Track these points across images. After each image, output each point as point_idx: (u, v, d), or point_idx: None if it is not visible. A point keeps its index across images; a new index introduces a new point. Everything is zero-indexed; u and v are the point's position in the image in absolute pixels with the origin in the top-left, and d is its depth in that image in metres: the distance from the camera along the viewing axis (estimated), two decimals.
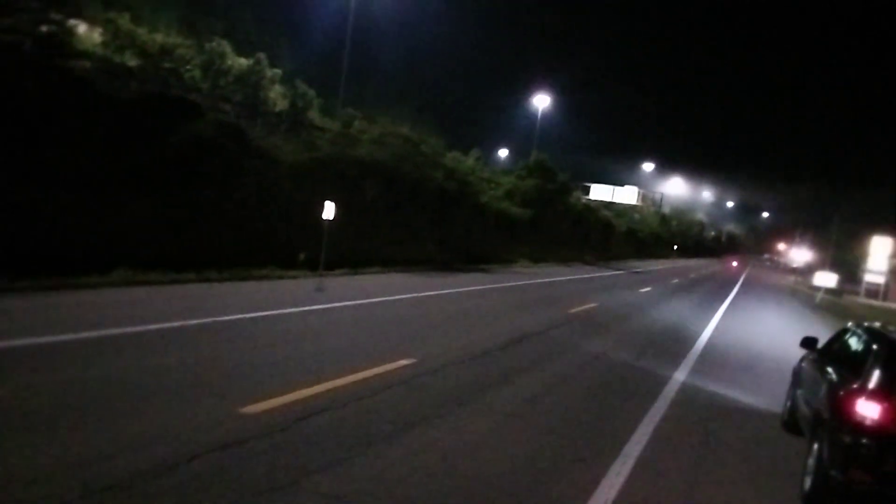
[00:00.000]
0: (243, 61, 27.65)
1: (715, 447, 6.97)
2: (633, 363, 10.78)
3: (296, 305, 10.92)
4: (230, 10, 34.78)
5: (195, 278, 11.96)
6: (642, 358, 11.35)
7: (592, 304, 18.30)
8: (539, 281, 24.15)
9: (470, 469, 5.20)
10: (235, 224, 14.42)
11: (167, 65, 22.46)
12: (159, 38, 22.98)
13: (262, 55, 28.41)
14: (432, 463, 5.20)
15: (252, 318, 9.57)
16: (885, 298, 55.25)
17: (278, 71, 29.92)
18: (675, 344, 13.65)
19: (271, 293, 12.04)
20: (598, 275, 33.20)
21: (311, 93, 30.95)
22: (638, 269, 43.84)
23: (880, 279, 59.37)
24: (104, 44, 21.35)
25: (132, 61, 21.07)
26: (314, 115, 30.62)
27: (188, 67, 24.56)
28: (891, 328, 6.69)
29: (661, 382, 9.64)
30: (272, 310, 10.31)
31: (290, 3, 43.76)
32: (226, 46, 27.13)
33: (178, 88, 20.97)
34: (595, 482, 5.33)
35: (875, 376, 5.52)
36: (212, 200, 14.07)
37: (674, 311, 20.47)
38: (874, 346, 6.12)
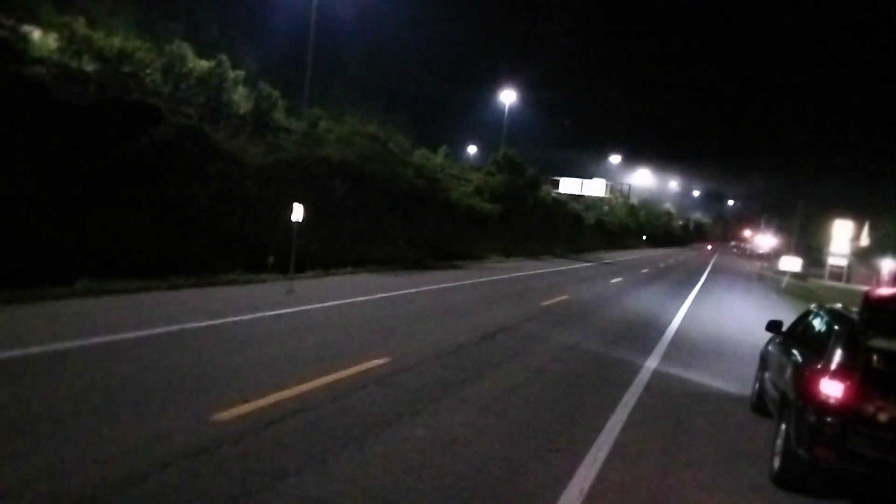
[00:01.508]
0: (205, 63, 27.22)
1: (687, 432, 7.10)
2: (606, 353, 10.91)
3: (266, 309, 10.81)
4: (190, 12, 34.23)
5: (162, 285, 11.74)
6: (615, 347, 11.49)
7: (565, 297, 18.45)
8: (511, 275, 24.26)
9: (446, 464, 5.22)
10: (201, 229, 14.20)
11: (126, 69, 21.97)
12: (117, 41, 22.48)
13: (223, 57, 28.01)
14: (408, 460, 5.20)
15: (222, 324, 9.45)
16: (848, 281, 56.74)
17: (241, 72, 29.53)
18: (646, 332, 13.84)
19: (240, 298, 11.90)
20: (569, 267, 33.48)
21: (276, 93, 30.60)
22: (608, 261, 44.31)
23: (843, 262, 61.00)
24: (60, 49, 20.84)
25: (90, 66, 20.60)
26: (279, 115, 30.29)
27: (148, 71, 24.08)
28: (852, 309, 6.88)
29: (634, 370, 9.77)
30: (242, 315, 10.19)
31: (251, 4, 43.19)
32: (186, 49, 26.67)
33: (139, 93, 20.56)
34: (571, 471, 5.40)
35: (837, 356, 5.67)
36: (176, 205, 13.84)
37: (644, 300, 20.75)
38: (836, 327, 6.29)
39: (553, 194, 62.14)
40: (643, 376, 9.49)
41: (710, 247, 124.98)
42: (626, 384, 8.83)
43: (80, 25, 21.53)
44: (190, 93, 25.65)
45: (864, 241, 61.96)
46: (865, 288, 7.71)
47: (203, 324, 9.24)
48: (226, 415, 5.65)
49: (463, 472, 5.10)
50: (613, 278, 28.60)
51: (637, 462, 5.89)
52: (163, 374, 6.68)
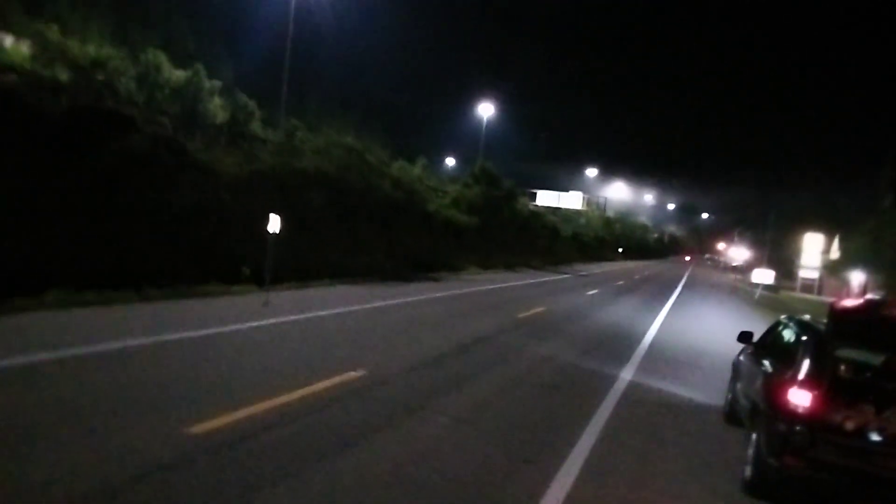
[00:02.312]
0: (181, 73, 27.10)
1: (661, 442, 7.18)
2: (582, 364, 10.98)
3: (241, 321, 10.71)
4: (166, 21, 34.00)
5: (134, 297, 11.57)
6: (590, 358, 11.58)
7: (541, 308, 18.55)
8: (488, 287, 24.33)
9: (421, 476, 5.21)
10: (175, 240, 14.03)
11: (100, 77, 21.77)
12: (91, 50, 22.29)
13: (200, 66, 27.90)
14: (384, 472, 5.19)
15: (196, 336, 9.34)
16: (819, 293, 57.78)
17: (218, 82, 29.43)
18: (621, 343, 13.97)
19: (215, 309, 11.77)
20: (545, 279, 33.67)
21: (252, 104, 30.54)
22: (584, 273, 44.64)
23: (814, 274, 62.13)
24: (33, 57, 20.59)
25: (63, 74, 20.37)
26: (256, 126, 30.20)
27: (123, 80, 23.90)
28: (820, 320, 7.02)
29: (609, 382, 9.86)
30: (217, 327, 10.08)
31: (229, 14, 43.05)
32: (162, 58, 26.53)
33: (112, 101, 20.36)
34: (545, 483, 5.42)
35: (805, 366, 5.79)
36: (149, 216, 13.69)
37: (620, 311, 20.93)
38: (804, 338, 6.42)
39: (530, 207, 62.55)
40: (618, 387, 9.58)
41: (688, 258, 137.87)
42: (601, 395, 8.90)
43: (54, 33, 21.31)
44: (165, 102, 25.48)
45: (835, 253, 63.11)
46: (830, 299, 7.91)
47: (177, 336, 9.13)
48: (200, 428, 5.58)
49: (438, 485, 5.10)
50: (589, 290, 28.82)
51: (611, 473, 5.94)
52: (136, 387, 6.58)
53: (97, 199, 12.69)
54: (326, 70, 48.32)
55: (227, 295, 13.56)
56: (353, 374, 8.05)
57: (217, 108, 29.23)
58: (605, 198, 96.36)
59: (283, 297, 14.23)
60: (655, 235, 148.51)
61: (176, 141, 16.60)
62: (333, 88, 48.01)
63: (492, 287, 24.55)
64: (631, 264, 76.16)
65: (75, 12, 26.00)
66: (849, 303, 6.10)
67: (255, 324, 10.67)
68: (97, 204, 12.63)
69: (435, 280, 24.29)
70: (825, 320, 6.67)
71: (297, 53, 29.99)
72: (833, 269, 59.49)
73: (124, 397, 6.22)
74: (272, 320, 11.18)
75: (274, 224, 12.95)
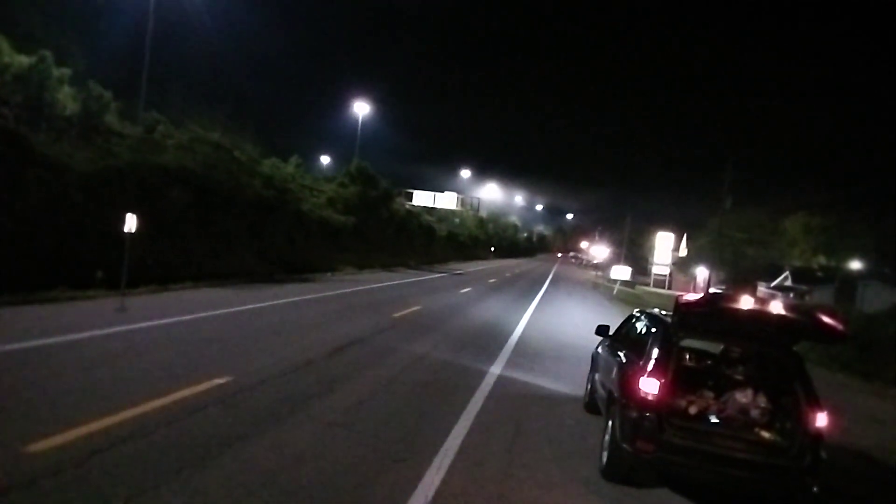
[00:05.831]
0: (24, 59, 24.66)
1: (526, 433, 7.48)
2: (454, 361, 11.20)
3: (92, 329, 9.91)
4: (6, 1, 30.80)
5: None
6: (462, 355, 11.83)
7: (416, 308, 18.70)
8: (364, 287, 24.17)
9: (290, 483, 5.10)
10: (16, 242, 12.79)
11: None
12: None
13: (47, 53, 25.52)
14: (250, 481, 5.02)
15: (38, 347, 8.52)
16: (670, 287, 62.66)
17: (67, 70, 27.07)
18: (492, 340, 14.39)
19: (62, 316, 10.81)
20: (421, 278, 33.98)
21: (108, 95, 28.33)
22: (459, 271, 45.51)
23: (665, 270, 67.25)
24: None
25: None
26: (111, 118, 28.06)
27: None
28: (669, 312, 7.58)
29: (479, 377, 10.13)
30: (62, 335, 9.25)
31: None
32: (1, 41, 24.01)
33: None
34: (416, 480, 5.49)
35: (654, 356, 6.24)
36: None
37: (491, 309, 21.55)
38: (653, 330, 6.93)
39: (407, 207, 62.86)
40: (488, 382, 9.87)
41: (560, 255, 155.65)
42: (471, 391, 9.12)
43: None
44: (5, 91, 23.07)
45: (683, 251, 68.72)
46: (678, 293, 8.57)
47: (14, 347, 8.29)
48: (42, 445, 5.13)
49: (307, 490, 5.01)
50: (463, 288, 29.43)
51: (480, 466, 6.11)
52: None
53: None
54: (193, 62, 45.96)
55: (77, 300, 12.51)
56: (218, 381, 7.71)
57: (67, 98, 26.86)
58: (479, 198, 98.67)
59: (141, 301, 13.36)
60: (525, 235, 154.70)
61: (16, 133, 15.04)
62: (201, 82, 45.66)
63: (368, 287, 24.42)
64: (503, 263, 78.62)
65: None
66: (692, 297, 6.63)
67: (107, 331, 9.93)
68: None
69: (310, 281, 23.79)
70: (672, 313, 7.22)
71: (159, 43, 28.26)
72: (681, 266, 64.80)
73: None
74: (127, 326, 10.45)
75: (130, 224, 12.13)
